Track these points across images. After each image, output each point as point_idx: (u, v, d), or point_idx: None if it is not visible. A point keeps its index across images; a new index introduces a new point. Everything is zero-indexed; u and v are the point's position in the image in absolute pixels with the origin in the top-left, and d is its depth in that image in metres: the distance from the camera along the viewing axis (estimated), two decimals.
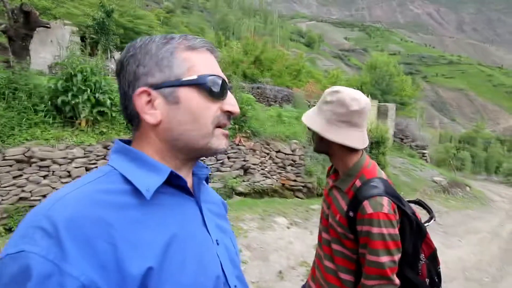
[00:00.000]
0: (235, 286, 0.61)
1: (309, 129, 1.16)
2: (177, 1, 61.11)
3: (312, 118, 1.15)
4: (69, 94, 4.45)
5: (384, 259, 0.98)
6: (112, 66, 10.42)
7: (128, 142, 0.60)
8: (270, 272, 3.39)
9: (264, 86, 10.93)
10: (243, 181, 6.24)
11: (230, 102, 0.59)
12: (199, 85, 0.55)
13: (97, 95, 4.69)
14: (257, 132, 6.55)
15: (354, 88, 1.17)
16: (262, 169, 6.53)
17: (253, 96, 7.56)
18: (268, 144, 6.67)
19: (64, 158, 4.35)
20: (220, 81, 0.57)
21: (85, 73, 4.62)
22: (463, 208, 7.63)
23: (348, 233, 1.08)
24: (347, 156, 1.14)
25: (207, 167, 0.66)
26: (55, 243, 0.42)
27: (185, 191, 0.58)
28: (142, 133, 0.57)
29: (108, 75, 5.65)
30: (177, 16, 45.13)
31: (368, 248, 1.01)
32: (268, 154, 6.65)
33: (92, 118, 4.76)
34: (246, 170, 6.37)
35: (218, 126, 0.58)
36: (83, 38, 7.62)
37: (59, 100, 4.44)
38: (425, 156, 12.00)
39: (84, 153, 4.54)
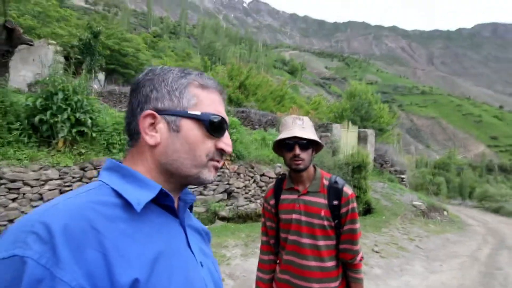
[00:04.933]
0: None
1: (301, 146, 1.37)
2: (164, 27, 62.52)
3: (305, 134, 1.37)
4: (48, 113, 4.31)
5: (357, 226, 1.42)
6: (96, 86, 10.26)
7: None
8: None
9: (248, 110, 11.09)
10: (227, 205, 6.10)
11: (225, 141, 0.64)
12: (200, 120, 0.60)
13: (78, 114, 4.57)
14: (242, 155, 6.53)
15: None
16: (246, 193, 6.45)
17: (238, 119, 7.63)
18: (252, 168, 6.65)
19: (36, 179, 4.12)
20: (219, 121, 0.62)
21: (66, 92, 4.52)
22: (442, 232, 7.77)
23: (332, 222, 1.38)
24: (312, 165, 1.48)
25: (193, 194, 0.69)
26: (49, 249, 0.42)
27: (171, 212, 0.60)
28: (138, 151, 0.61)
29: (91, 95, 5.54)
30: (164, 41, 45.96)
31: (353, 220, 1.39)
32: (252, 177, 6.61)
33: (70, 138, 4.60)
34: (229, 194, 6.26)
35: (211, 159, 0.62)
36: (67, 58, 7.54)
37: (36, 119, 4.28)
38: (404, 181, 12.33)
39: (59, 175, 4.33)
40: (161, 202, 0.58)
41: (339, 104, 19.42)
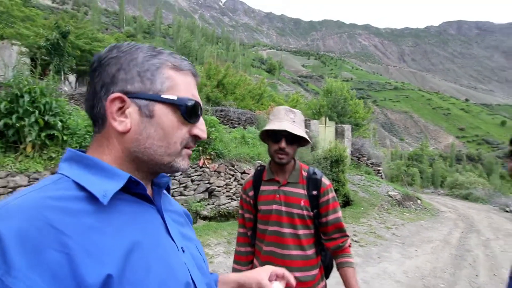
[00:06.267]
0: None
1: (288, 140, 1.38)
2: (138, 26, 60.74)
3: (295, 130, 1.37)
4: (14, 117, 4.09)
5: (340, 213, 1.46)
6: (66, 88, 9.81)
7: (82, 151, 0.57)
8: None
9: (227, 108, 11.05)
10: (208, 204, 6.07)
11: (200, 127, 0.60)
12: (176, 105, 0.56)
13: (46, 117, 4.36)
14: (222, 153, 6.51)
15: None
16: (227, 191, 6.43)
17: (217, 118, 7.60)
18: (233, 166, 6.65)
19: (4, 187, 3.90)
20: (195, 106, 0.58)
21: (33, 94, 4.30)
22: (417, 219, 8.17)
23: (310, 212, 1.41)
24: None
25: (167, 176, 0.64)
26: None
27: (145, 199, 0.56)
28: (104, 137, 0.55)
29: (62, 97, 5.30)
30: (138, 41, 44.61)
31: (334, 209, 1.43)
32: (233, 175, 6.60)
33: (39, 142, 4.38)
34: (210, 193, 6.23)
35: (186, 147, 0.59)
36: (33, 59, 7.16)
37: (1, 123, 4.05)
38: (380, 173, 12.80)
39: (29, 181, 4.12)
40: (132, 190, 0.53)
41: (317, 101, 19.80)
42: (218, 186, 6.27)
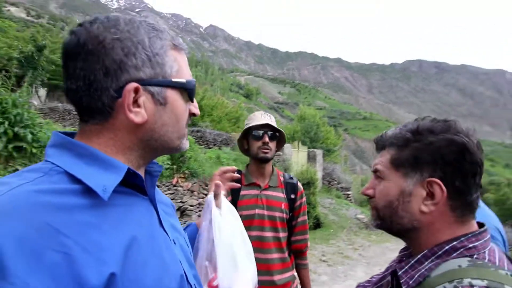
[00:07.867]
0: (194, 284, 0.60)
1: (269, 136, 1.50)
2: None
3: (275, 124, 1.52)
4: None
5: (306, 217, 1.61)
6: (35, 102, 9.51)
7: (69, 135, 0.52)
8: None
9: (203, 130, 11.22)
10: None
11: (195, 105, 0.61)
12: (184, 88, 0.56)
13: (16, 129, 4.27)
14: (196, 172, 6.57)
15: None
16: (200, 210, 6.42)
17: (193, 138, 7.72)
18: (206, 185, 6.70)
19: None
20: (195, 85, 0.58)
21: (4, 105, 4.23)
22: (383, 242, 8.53)
23: (288, 214, 1.51)
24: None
25: (158, 164, 0.62)
26: None
27: (139, 190, 0.54)
28: (107, 129, 0.50)
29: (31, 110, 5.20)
30: None
31: (304, 211, 1.57)
32: (206, 195, 6.63)
33: (6, 154, 4.24)
34: (183, 212, 6.18)
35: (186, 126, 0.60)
36: (7, 70, 7.02)
37: None
38: (350, 197, 13.31)
39: None
40: (129, 182, 0.51)
41: (291, 126, 20.60)
42: (191, 205, 6.25)
